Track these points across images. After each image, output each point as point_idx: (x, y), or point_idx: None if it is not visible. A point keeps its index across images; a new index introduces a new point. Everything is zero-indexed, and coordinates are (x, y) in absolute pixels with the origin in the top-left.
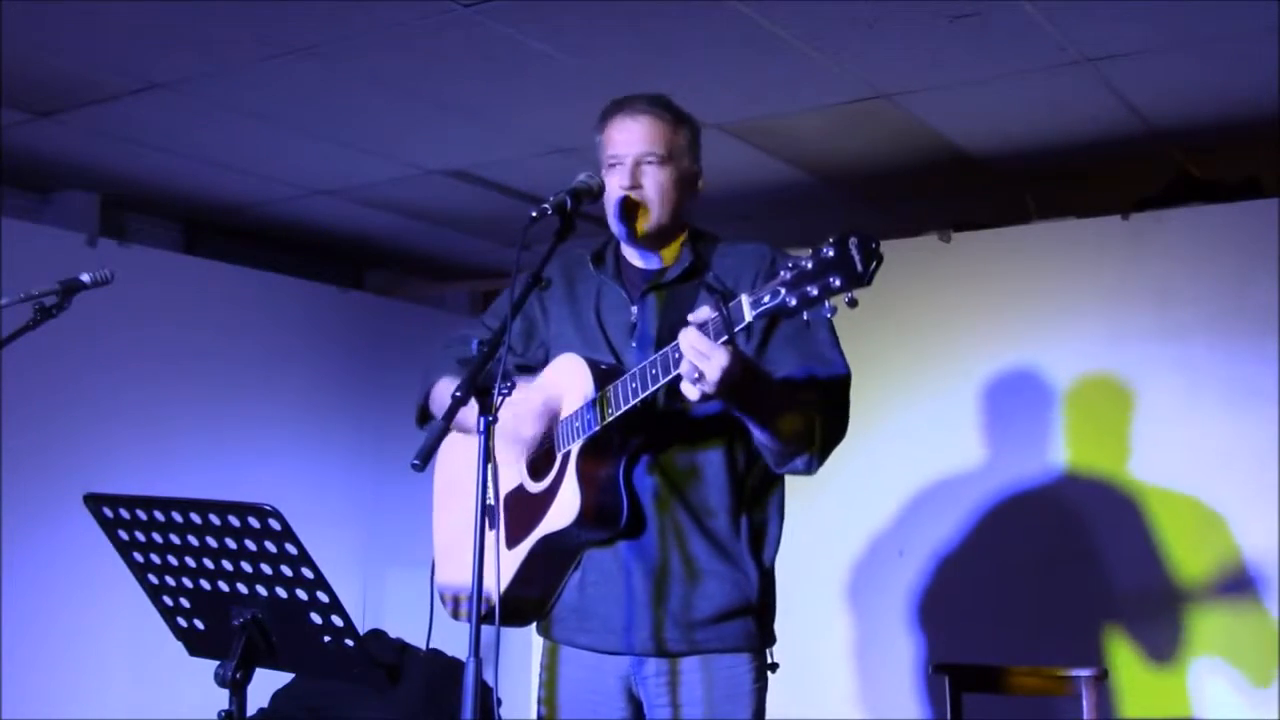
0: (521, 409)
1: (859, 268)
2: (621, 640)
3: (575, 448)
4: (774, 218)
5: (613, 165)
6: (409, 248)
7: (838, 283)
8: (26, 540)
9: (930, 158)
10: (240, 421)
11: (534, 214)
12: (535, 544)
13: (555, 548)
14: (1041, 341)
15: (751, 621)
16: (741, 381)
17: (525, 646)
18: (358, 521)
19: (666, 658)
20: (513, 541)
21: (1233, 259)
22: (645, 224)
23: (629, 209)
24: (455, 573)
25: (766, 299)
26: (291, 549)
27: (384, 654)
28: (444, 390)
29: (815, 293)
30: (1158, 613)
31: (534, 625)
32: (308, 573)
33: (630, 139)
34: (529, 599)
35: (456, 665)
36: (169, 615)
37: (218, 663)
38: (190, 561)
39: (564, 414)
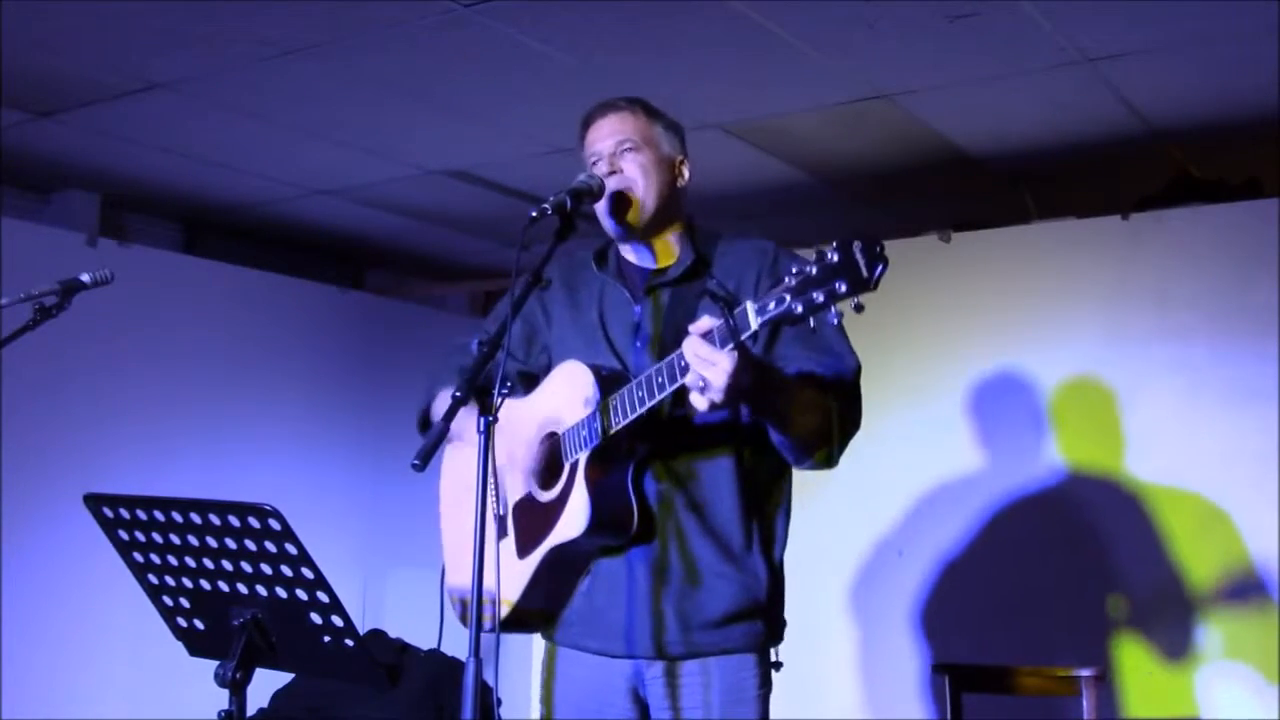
0: (527, 417)
1: (864, 272)
2: (629, 644)
3: (583, 456)
4: (774, 218)
5: (595, 163)
6: (409, 248)
7: (843, 288)
8: (26, 540)
9: (930, 158)
10: (240, 421)
11: (534, 214)
12: (546, 554)
13: (566, 557)
14: (1042, 341)
15: (760, 622)
16: (751, 387)
17: (525, 647)
18: (358, 521)
19: (673, 661)
20: (523, 551)
21: (1233, 259)
22: (635, 212)
23: (619, 202)
24: (466, 579)
25: (772, 306)
26: (291, 549)
27: (384, 654)
28: (445, 400)
29: (821, 298)
30: (1161, 613)
31: None
32: (308, 573)
33: (604, 133)
34: (539, 609)
35: (456, 665)
36: (169, 615)
37: (218, 663)
38: (190, 561)
39: (570, 422)
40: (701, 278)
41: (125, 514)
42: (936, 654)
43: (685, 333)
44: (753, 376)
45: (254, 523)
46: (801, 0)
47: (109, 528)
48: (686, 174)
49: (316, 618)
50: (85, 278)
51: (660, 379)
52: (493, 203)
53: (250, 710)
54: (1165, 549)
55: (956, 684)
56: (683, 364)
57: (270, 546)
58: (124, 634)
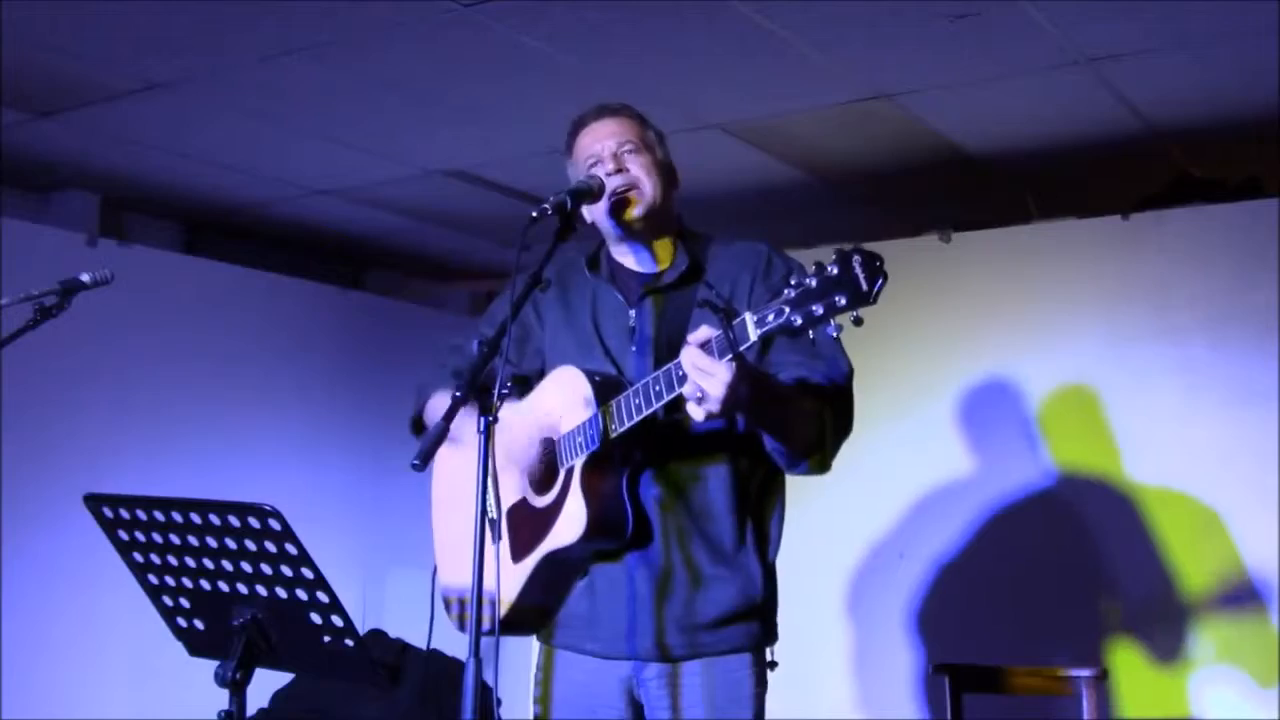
0: (523, 421)
1: (864, 286)
2: (626, 646)
3: (579, 463)
4: (774, 218)
5: (594, 164)
6: (409, 248)
7: (843, 301)
8: (26, 540)
9: (930, 158)
10: (240, 422)
11: (534, 214)
12: (541, 560)
13: (561, 563)
14: (1041, 342)
15: (756, 623)
16: (748, 398)
17: (525, 647)
18: (358, 521)
19: (672, 662)
20: (517, 556)
21: (1233, 259)
22: (637, 209)
23: (620, 202)
24: (460, 579)
25: (771, 318)
26: (291, 549)
27: (384, 654)
28: (437, 405)
29: (820, 312)
30: (1159, 614)
31: None
32: (308, 573)
33: (603, 135)
34: (534, 612)
35: (456, 665)
36: (169, 615)
37: (218, 663)
38: (190, 561)
39: (565, 428)
40: (696, 282)
41: (125, 514)
42: (934, 655)
43: (682, 340)
44: (749, 387)
45: (254, 523)
46: (801, 0)
47: (109, 528)
48: (679, 180)
49: (316, 618)
50: (85, 278)
51: (658, 388)
52: (493, 203)
53: (250, 710)
54: (1162, 551)
55: (956, 684)
56: (680, 374)
57: (270, 546)
58: (124, 634)
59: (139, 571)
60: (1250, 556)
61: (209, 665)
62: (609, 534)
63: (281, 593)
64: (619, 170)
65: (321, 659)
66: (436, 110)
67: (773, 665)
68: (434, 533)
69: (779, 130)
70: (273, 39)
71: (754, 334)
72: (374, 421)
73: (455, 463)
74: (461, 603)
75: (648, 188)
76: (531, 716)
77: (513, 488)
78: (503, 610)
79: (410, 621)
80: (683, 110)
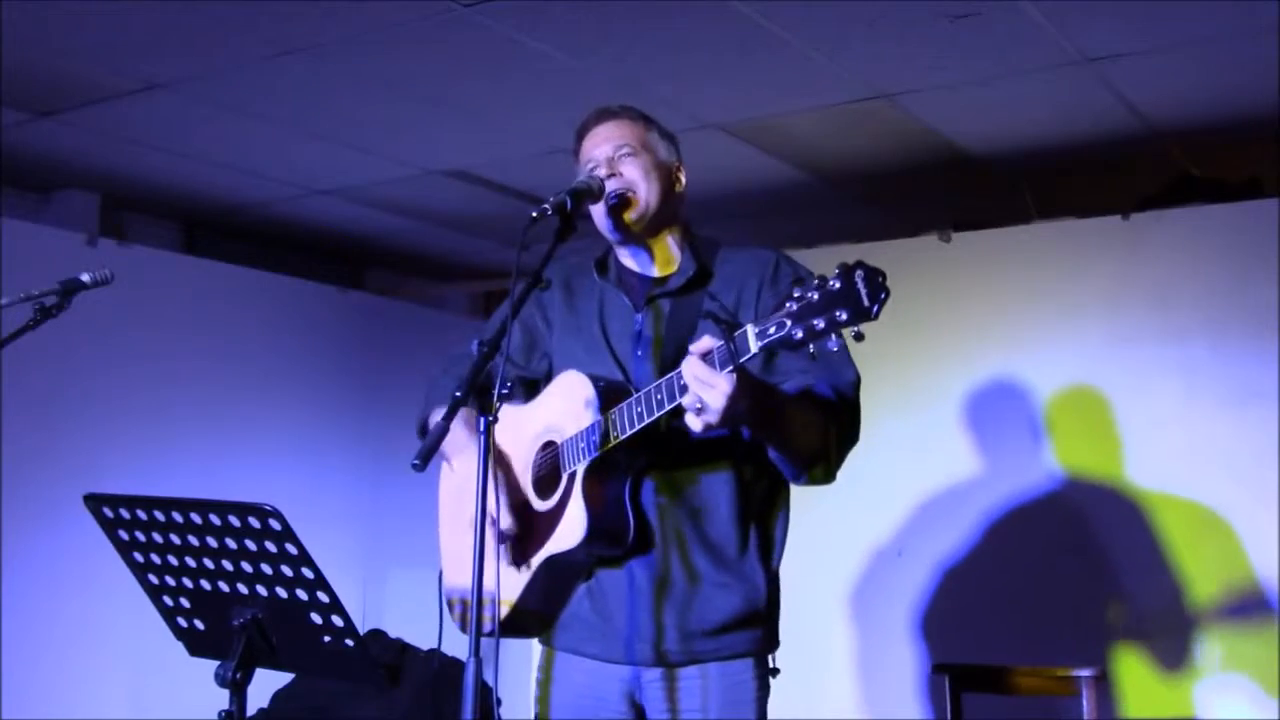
0: (526, 424)
1: (865, 302)
2: (627, 651)
3: (581, 468)
4: (774, 218)
5: (593, 169)
6: (409, 248)
7: (844, 317)
8: (26, 540)
9: (930, 158)
10: (240, 421)
11: (534, 214)
12: (542, 564)
13: (562, 567)
14: (1041, 342)
15: (759, 630)
16: (749, 410)
17: (525, 647)
18: (358, 522)
19: (674, 667)
20: (519, 559)
21: (1233, 259)
22: (634, 215)
23: (618, 204)
24: (463, 580)
25: (772, 330)
26: (292, 549)
27: (384, 654)
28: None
29: (821, 326)
30: (1161, 616)
31: None
32: (308, 573)
33: (601, 139)
34: (534, 615)
35: (456, 665)
36: (169, 615)
37: (218, 663)
38: (190, 561)
39: (569, 432)
40: (703, 288)
41: (125, 514)
42: (937, 657)
43: (686, 346)
44: (751, 399)
45: (254, 523)
46: (801, 0)
47: (109, 528)
48: (683, 180)
49: (316, 618)
50: (85, 278)
51: (659, 396)
52: (493, 203)
53: (250, 710)
54: (1164, 551)
55: (956, 684)
56: (681, 384)
57: (270, 546)
58: (124, 634)
59: (139, 571)
60: (1253, 557)
61: (209, 665)
62: (610, 540)
63: (281, 593)
64: (613, 175)
65: (321, 659)
66: (436, 110)
67: (775, 672)
68: (440, 534)
69: (779, 130)
70: (273, 39)
71: (755, 346)
72: (374, 421)
73: (458, 467)
74: (465, 603)
75: (642, 191)
76: (532, 717)
77: (516, 490)
78: (504, 612)
79: (410, 621)
80: (683, 110)
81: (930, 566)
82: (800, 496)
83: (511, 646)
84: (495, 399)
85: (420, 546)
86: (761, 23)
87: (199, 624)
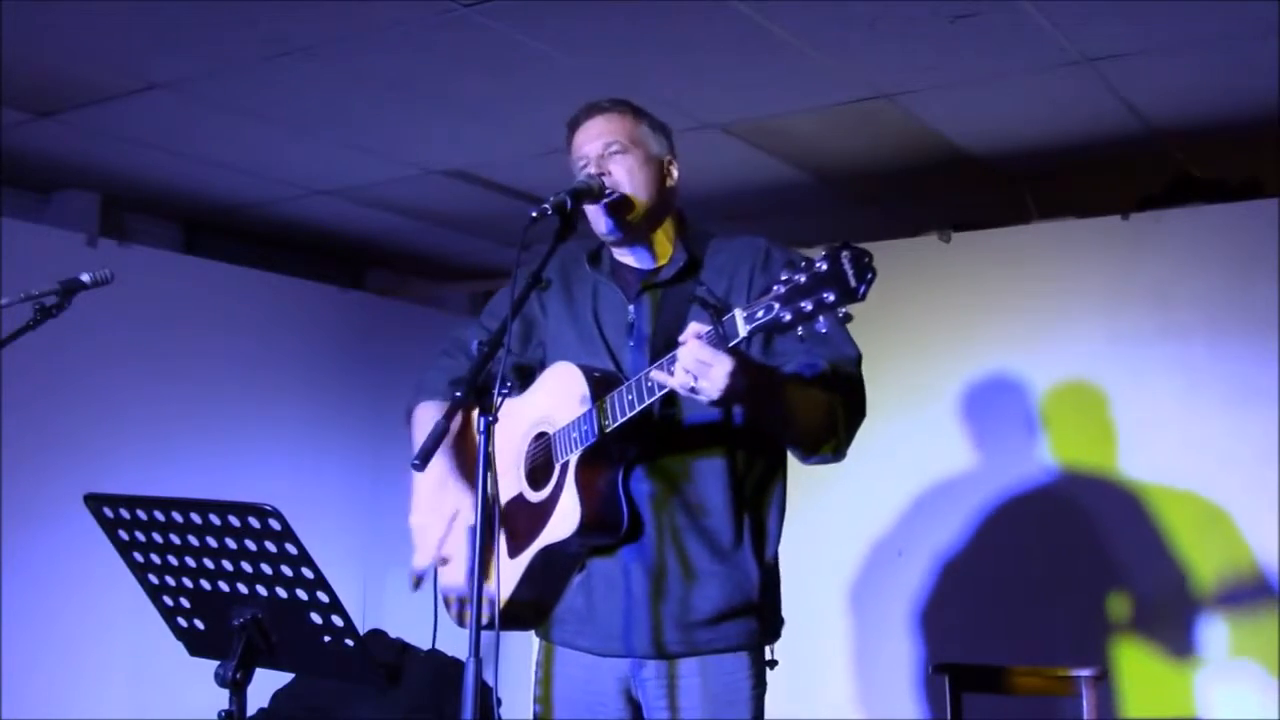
0: (519, 416)
1: (852, 283)
2: (621, 643)
3: (573, 458)
4: (774, 218)
5: (583, 167)
6: (409, 248)
7: (831, 298)
8: (26, 540)
9: (930, 158)
10: (240, 421)
11: (534, 214)
12: (536, 554)
13: (557, 557)
14: (1042, 342)
15: (753, 620)
16: (749, 388)
17: (525, 647)
18: (358, 521)
19: (666, 660)
20: (514, 551)
21: (1233, 259)
22: (633, 213)
23: (619, 204)
24: (459, 576)
25: (760, 314)
26: (291, 549)
27: (384, 654)
28: (424, 416)
29: (809, 308)
30: (1161, 613)
31: None
32: (308, 573)
33: (590, 135)
34: (530, 607)
35: (456, 665)
36: (169, 615)
37: (218, 663)
38: (190, 561)
39: (561, 423)
40: (694, 278)
41: (125, 514)
42: (935, 654)
43: (678, 335)
44: (750, 378)
45: (254, 523)
46: (801, 0)
47: (109, 528)
48: (675, 173)
49: (316, 618)
50: (85, 278)
51: (649, 383)
52: (493, 203)
53: (250, 710)
54: (1165, 550)
55: (956, 684)
56: (672, 367)
57: (270, 546)
58: (124, 634)
59: (139, 571)
60: (1255, 554)
61: (209, 665)
62: (603, 529)
63: (281, 593)
64: (601, 174)
65: (321, 659)
66: (436, 110)
67: (772, 664)
68: (412, 523)
69: (779, 130)
70: (273, 39)
71: (743, 330)
72: (374, 421)
73: (442, 456)
74: (461, 600)
75: (629, 189)
76: (532, 714)
77: (509, 482)
78: (500, 603)
79: (410, 621)
80: (683, 110)
81: (930, 565)
82: (799, 492)
83: (511, 646)
84: (496, 398)
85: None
86: (761, 23)
87: (199, 624)
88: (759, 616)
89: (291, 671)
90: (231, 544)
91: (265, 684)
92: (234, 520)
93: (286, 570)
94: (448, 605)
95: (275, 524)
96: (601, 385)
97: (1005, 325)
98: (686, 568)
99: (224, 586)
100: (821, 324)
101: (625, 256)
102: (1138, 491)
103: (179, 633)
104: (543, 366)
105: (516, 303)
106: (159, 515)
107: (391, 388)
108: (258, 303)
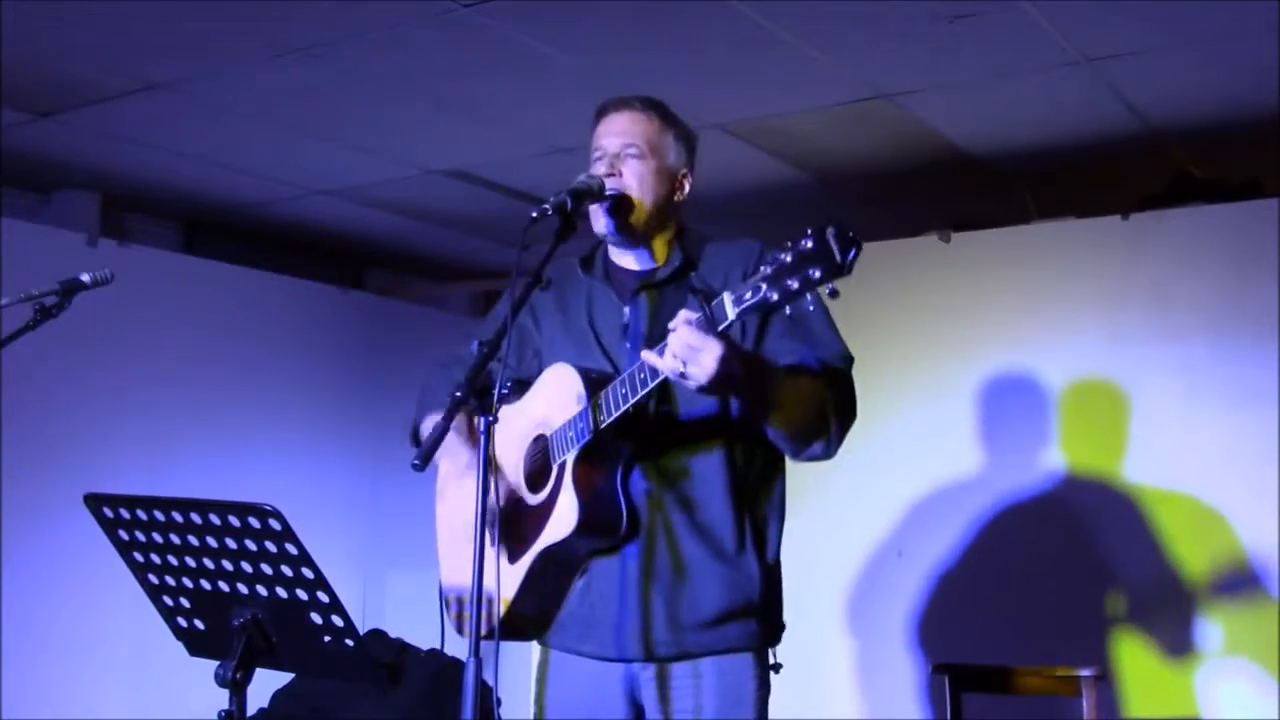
0: (518, 420)
1: (838, 258)
2: (624, 647)
3: (570, 458)
4: (774, 218)
5: (598, 159)
6: (409, 248)
7: (818, 274)
8: (26, 540)
9: (930, 158)
10: (240, 421)
11: (534, 214)
12: (536, 557)
13: (557, 560)
14: (1041, 342)
15: (754, 621)
16: (742, 374)
17: (525, 646)
18: (358, 521)
19: (667, 662)
20: (514, 555)
21: (1233, 259)
22: (632, 216)
23: (620, 204)
24: (459, 580)
25: (748, 295)
26: (291, 549)
27: (384, 654)
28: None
29: (796, 285)
30: (1162, 614)
31: None
32: (308, 573)
33: (613, 129)
34: (531, 615)
35: (456, 665)
36: (169, 615)
37: (218, 663)
38: (190, 561)
39: (557, 424)
40: (688, 278)
41: (125, 514)
42: (938, 657)
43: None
44: (743, 365)
45: (254, 523)
46: (801, 0)
47: (109, 528)
48: (687, 187)
49: (316, 618)
50: (85, 278)
51: (642, 375)
52: (493, 203)
53: (250, 710)
54: (1164, 551)
55: (956, 684)
56: (661, 354)
57: (270, 546)
58: (124, 634)
59: (139, 571)
60: (1253, 554)
61: (209, 665)
62: (602, 529)
63: (281, 593)
64: (612, 174)
65: (321, 659)
66: (436, 110)
67: (777, 668)
68: (437, 538)
69: (779, 130)
70: (273, 39)
71: (732, 312)
72: (374, 421)
73: (447, 468)
74: (460, 603)
75: (636, 195)
76: (531, 718)
77: (508, 486)
78: (501, 611)
79: (410, 621)
80: (683, 110)
81: (930, 566)
82: (803, 494)
83: (511, 646)
84: (495, 399)
85: (420, 546)
86: (761, 23)
87: (199, 624)
88: (760, 618)
89: (291, 671)
90: (231, 544)
91: (265, 684)
92: (234, 520)
93: (286, 570)
94: (446, 606)
95: (275, 524)
96: (597, 385)
97: (1005, 325)
98: (685, 569)
99: (224, 586)
100: (809, 301)
101: (623, 258)
102: (1137, 494)
103: (179, 633)
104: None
105: (516, 303)
106: (159, 515)
107: (391, 388)
108: (258, 303)
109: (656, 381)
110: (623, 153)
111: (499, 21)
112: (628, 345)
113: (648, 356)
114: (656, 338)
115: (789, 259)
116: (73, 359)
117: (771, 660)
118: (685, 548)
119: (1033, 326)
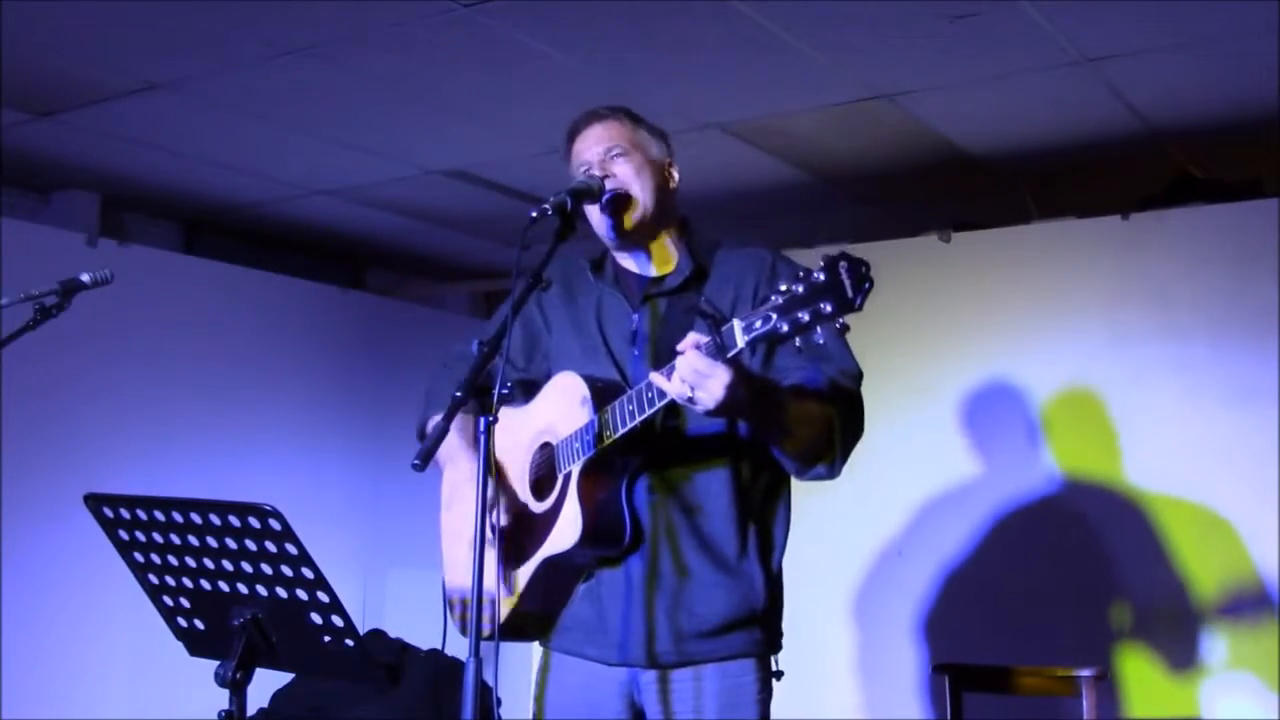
0: (523, 426)
1: (849, 293)
2: (626, 653)
3: (576, 469)
4: (774, 218)
5: (586, 171)
6: (409, 248)
7: (829, 308)
8: (26, 540)
9: (930, 158)
10: (240, 421)
11: (534, 214)
12: (539, 566)
13: (559, 569)
14: (1042, 342)
15: (758, 630)
16: (749, 401)
17: (525, 646)
18: (358, 521)
19: (671, 669)
20: (518, 560)
21: (1233, 259)
22: (634, 213)
23: (617, 204)
24: (463, 581)
25: (759, 324)
26: (291, 549)
27: (384, 654)
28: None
29: (806, 318)
30: (1160, 616)
31: None
32: (308, 573)
33: (591, 141)
34: (534, 617)
35: (456, 665)
36: (169, 615)
37: (218, 663)
38: (190, 561)
39: (564, 433)
40: (699, 287)
41: (125, 514)
42: (937, 655)
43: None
44: (750, 390)
45: (254, 523)
46: (801, 0)
47: (109, 528)
48: (675, 176)
49: (316, 618)
50: (85, 278)
51: (649, 394)
52: (493, 203)
53: (250, 710)
54: (1164, 551)
55: (957, 684)
56: (670, 377)
57: (270, 546)
58: (124, 634)
59: (139, 571)
60: (1253, 556)
61: (209, 665)
62: (606, 540)
63: (281, 593)
64: (606, 177)
65: (321, 659)
66: (436, 110)
67: (778, 675)
68: (441, 536)
69: (779, 130)
70: (273, 39)
71: (741, 340)
72: (374, 421)
73: (450, 473)
74: (464, 604)
75: (635, 190)
76: (530, 718)
77: (513, 493)
78: (503, 614)
79: (410, 621)
80: (683, 110)
81: (931, 566)
82: (801, 497)
83: (512, 646)
84: (495, 399)
85: (420, 546)
86: (761, 23)
87: (199, 624)
88: (763, 627)
89: (291, 671)
90: (231, 544)
91: (265, 684)
92: (234, 520)
93: (286, 570)
94: (450, 608)
95: (275, 524)
96: (604, 395)
97: (1005, 325)
98: (690, 578)
99: (224, 586)
100: (819, 335)
101: (627, 262)
102: (1137, 495)
103: (179, 633)
104: (549, 378)
105: (516, 304)
106: (159, 515)
107: (391, 388)
108: (258, 303)
109: (664, 402)
110: (608, 156)
111: (499, 21)
112: (635, 352)
113: (656, 379)
114: (664, 346)
115: (801, 290)
116: (73, 359)
117: (774, 667)
118: (690, 558)
119: (1033, 326)
